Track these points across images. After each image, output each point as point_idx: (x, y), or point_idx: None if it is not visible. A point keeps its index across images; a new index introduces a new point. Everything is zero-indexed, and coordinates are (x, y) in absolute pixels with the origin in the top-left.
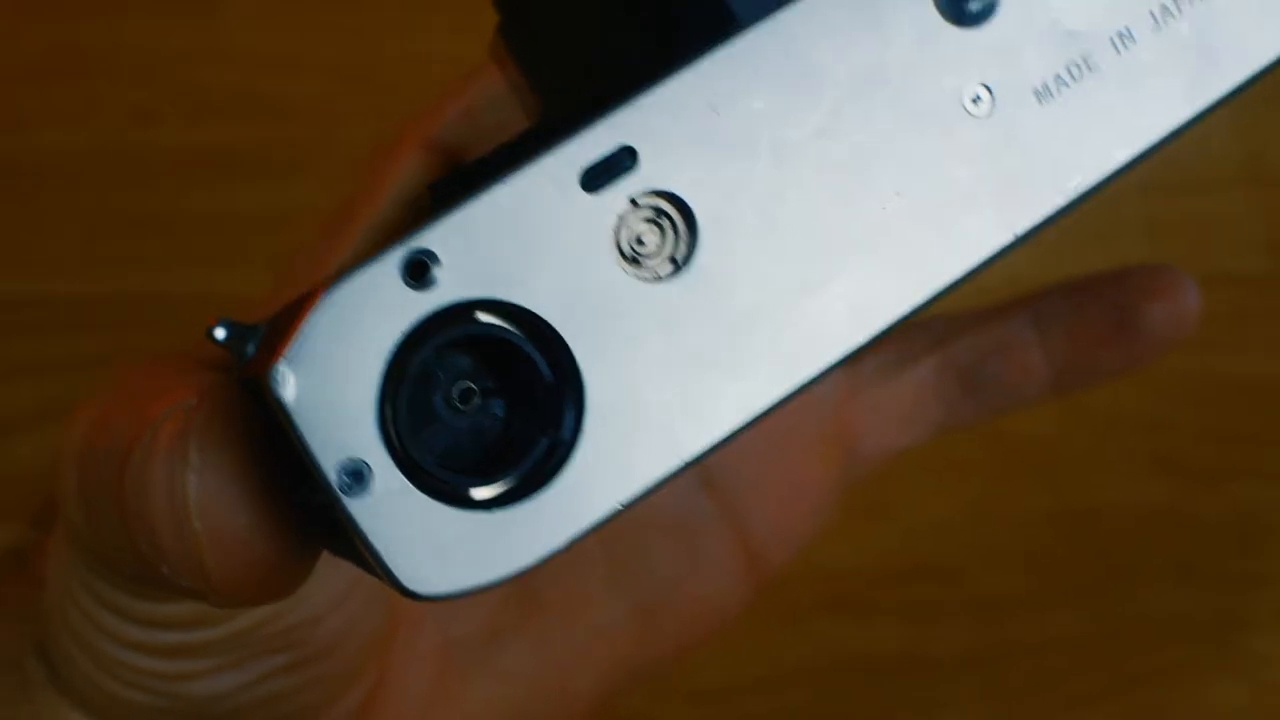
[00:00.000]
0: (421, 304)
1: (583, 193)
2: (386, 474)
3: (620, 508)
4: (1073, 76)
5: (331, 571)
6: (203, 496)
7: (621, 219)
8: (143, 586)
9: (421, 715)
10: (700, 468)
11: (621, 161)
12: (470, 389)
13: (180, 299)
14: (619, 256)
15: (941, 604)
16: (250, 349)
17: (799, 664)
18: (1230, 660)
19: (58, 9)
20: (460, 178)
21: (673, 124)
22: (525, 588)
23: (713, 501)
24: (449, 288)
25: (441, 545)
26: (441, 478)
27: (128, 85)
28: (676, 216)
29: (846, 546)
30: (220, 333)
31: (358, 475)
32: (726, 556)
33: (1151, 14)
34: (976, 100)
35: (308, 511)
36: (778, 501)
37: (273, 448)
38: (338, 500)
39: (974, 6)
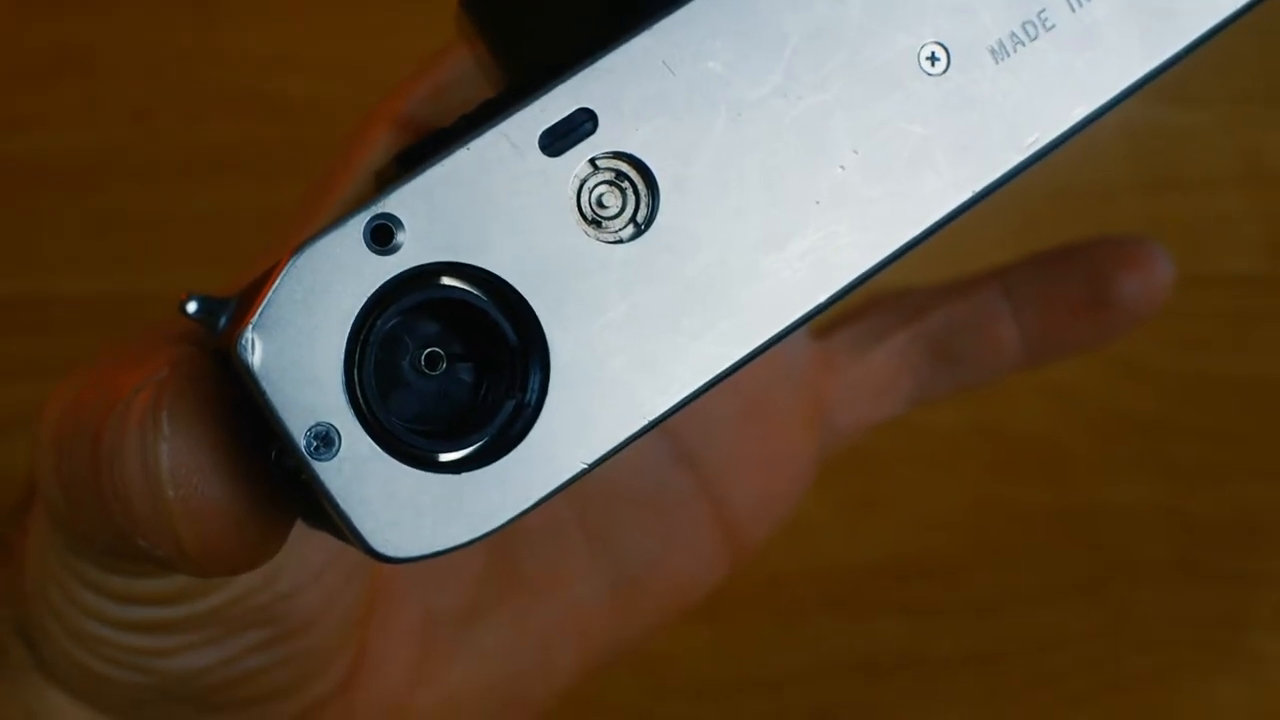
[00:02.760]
0: (385, 268)
1: (542, 155)
2: (354, 438)
3: (586, 468)
4: (1028, 34)
5: (307, 546)
6: (176, 466)
7: (582, 181)
8: (120, 561)
9: (402, 693)
10: (678, 443)
11: (580, 123)
12: (437, 353)
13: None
14: (580, 219)
15: (941, 603)
16: (222, 321)
17: (799, 664)
18: (1230, 660)
19: (58, 9)
20: (423, 147)
21: (631, 86)
22: (504, 564)
23: (690, 476)
24: (412, 252)
25: (410, 508)
26: (409, 441)
27: (128, 85)
28: (637, 178)
29: (846, 545)
30: (192, 306)
31: (326, 439)
32: (703, 530)
33: None
34: (933, 59)
35: (280, 480)
36: (755, 475)
37: (244, 416)
38: (307, 464)
39: None
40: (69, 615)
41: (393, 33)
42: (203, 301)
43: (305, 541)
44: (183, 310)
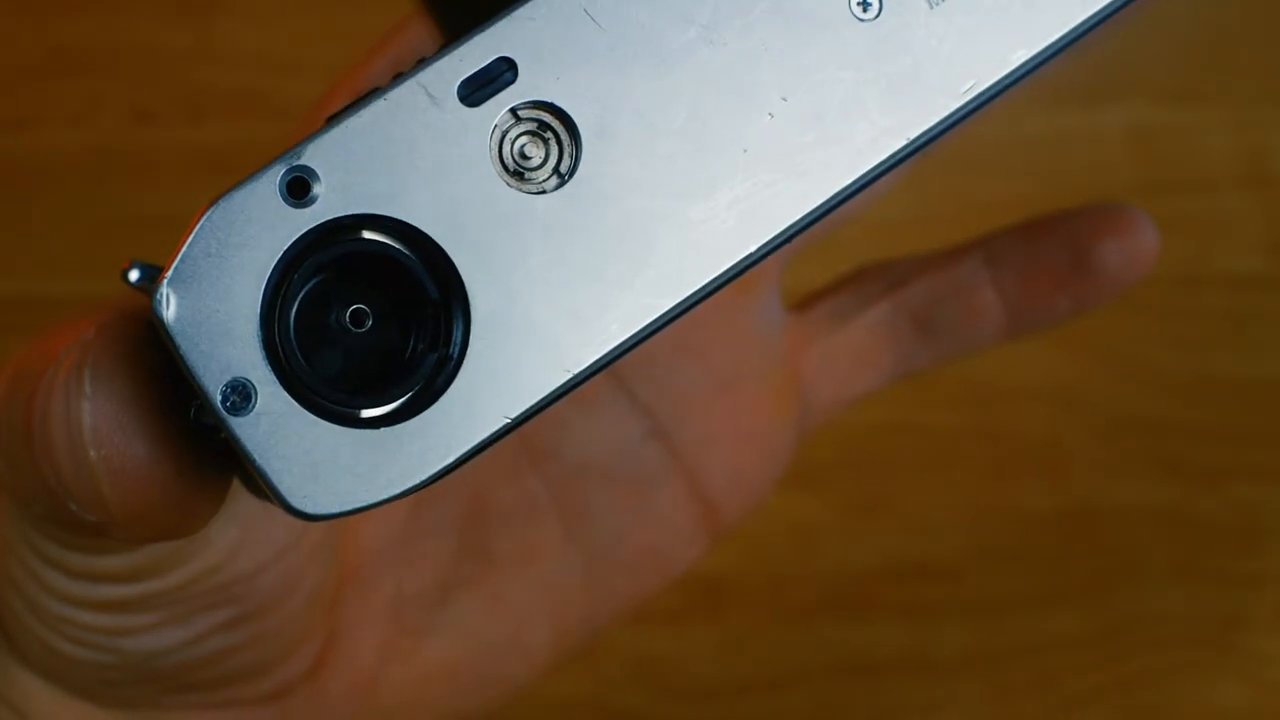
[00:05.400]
0: (302, 221)
1: (462, 106)
2: (272, 393)
3: (509, 423)
4: None
5: (268, 525)
6: (98, 425)
7: (504, 132)
8: (63, 531)
9: (374, 673)
10: (651, 418)
11: (500, 73)
12: (356, 308)
13: None
14: (502, 170)
15: (941, 604)
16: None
17: (799, 664)
18: (1230, 660)
19: (58, 9)
20: (352, 105)
21: (552, 35)
22: (477, 543)
23: (663, 451)
24: (329, 204)
25: (329, 464)
26: (327, 396)
27: (128, 85)
28: (559, 128)
29: (848, 547)
30: (134, 274)
31: (243, 394)
32: (678, 506)
33: None
34: (864, 4)
35: (202, 438)
36: (731, 451)
37: (170, 375)
38: (223, 420)
39: None
40: (32, 593)
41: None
42: (144, 269)
43: (265, 520)
44: (125, 278)
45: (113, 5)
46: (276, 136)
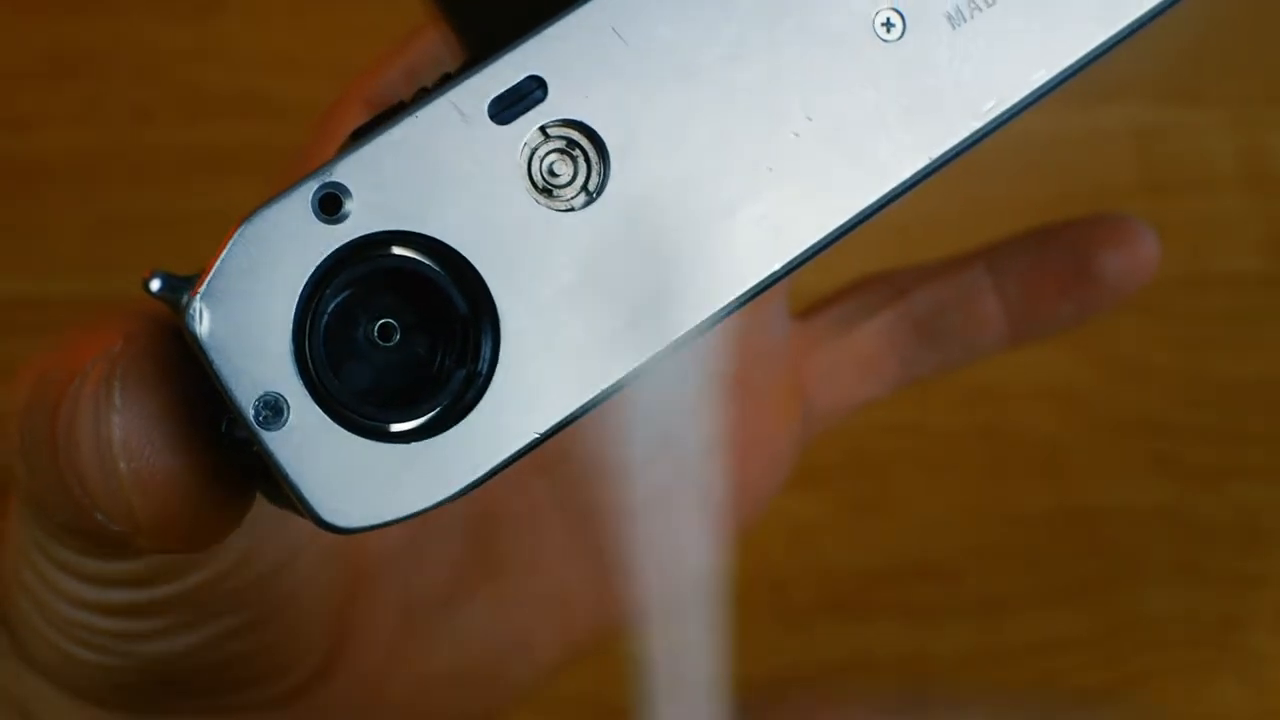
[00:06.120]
0: (334, 237)
1: (492, 124)
2: (304, 408)
3: (538, 437)
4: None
5: (281, 530)
6: (128, 437)
7: (533, 150)
8: (83, 539)
9: (382, 676)
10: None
11: (530, 91)
12: (388, 324)
13: None
14: (531, 187)
15: (941, 604)
16: (184, 298)
17: (799, 664)
18: (1230, 660)
19: (58, 9)
20: (379, 120)
21: (581, 53)
22: (484, 547)
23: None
24: (361, 221)
25: (360, 478)
26: (359, 411)
27: (128, 85)
28: (588, 146)
29: (848, 547)
30: (155, 284)
31: (275, 409)
32: None
33: None
34: (888, 25)
35: (233, 452)
36: (734, 457)
37: (198, 388)
38: (256, 434)
39: None
40: (43, 598)
41: (393, 34)
42: (166, 279)
43: (278, 527)
44: (146, 288)
45: (113, 5)
46: (276, 137)
